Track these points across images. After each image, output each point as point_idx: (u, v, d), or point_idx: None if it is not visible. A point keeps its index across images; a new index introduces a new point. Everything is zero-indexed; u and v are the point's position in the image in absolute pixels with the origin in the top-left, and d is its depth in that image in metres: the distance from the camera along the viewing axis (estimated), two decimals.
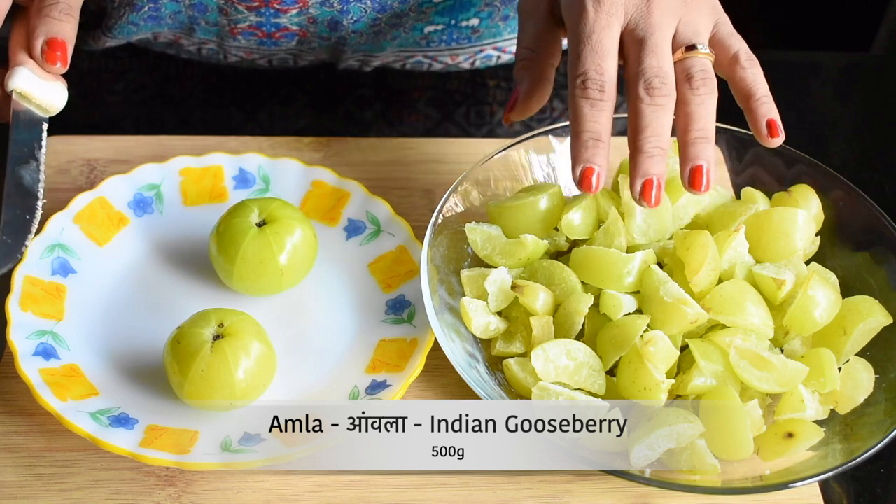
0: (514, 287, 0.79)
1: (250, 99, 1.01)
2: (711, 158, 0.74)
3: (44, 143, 0.76)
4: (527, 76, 0.82)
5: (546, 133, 0.87)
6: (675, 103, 0.74)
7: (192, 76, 1.02)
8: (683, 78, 0.75)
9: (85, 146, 0.92)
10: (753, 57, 0.78)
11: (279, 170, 0.88)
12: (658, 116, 0.74)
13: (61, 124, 0.93)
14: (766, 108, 0.77)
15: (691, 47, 0.76)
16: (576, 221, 0.81)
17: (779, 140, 0.77)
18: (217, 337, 0.73)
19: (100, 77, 1.01)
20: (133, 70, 1.02)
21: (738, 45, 0.78)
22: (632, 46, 0.76)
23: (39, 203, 0.75)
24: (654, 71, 0.74)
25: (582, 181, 0.74)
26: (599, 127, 0.74)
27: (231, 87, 1.02)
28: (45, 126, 0.76)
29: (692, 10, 0.77)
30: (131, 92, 1.02)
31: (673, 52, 0.76)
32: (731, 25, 0.79)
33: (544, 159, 0.87)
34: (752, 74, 0.77)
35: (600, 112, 0.74)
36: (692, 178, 0.74)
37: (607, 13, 0.75)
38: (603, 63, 0.75)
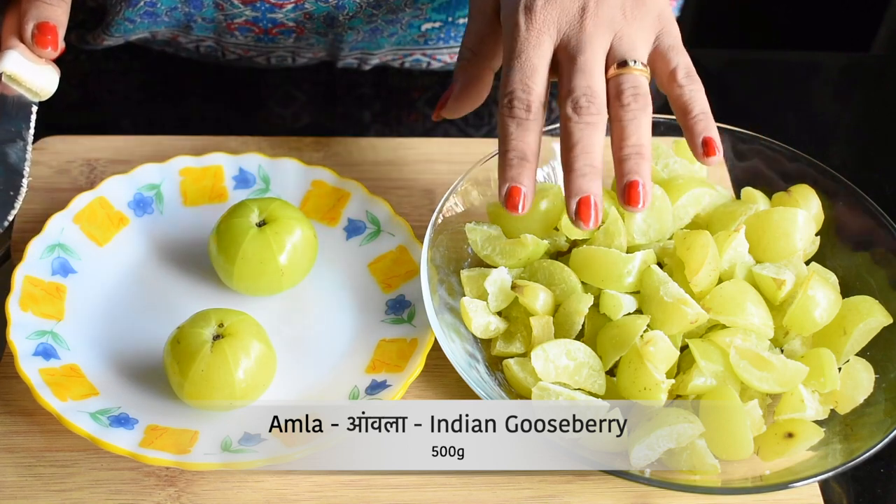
0: (514, 287, 0.79)
1: (250, 99, 1.01)
2: (646, 173, 0.73)
3: (32, 125, 0.76)
4: (462, 76, 0.81)
5: (545, 133, 0.87)
6: (605, 122, 0.73)
7: (191, 76, 1.02)
8: (614, 95, 0.74)
9: (85, 146, 0.92)
10: (693, 73, 0.76)
11: (279, 170, 0.88)
12: (587, 134, 0.72)
13: (61, 124, 0.93)
14: (703, 125, 0.75)
15: (623, 63, 0.74)
16: None
17: (715, 158, 0.75)
18: (217, 337, 0.73)
19: (100, 77, 1.01)
20: (133, 70, 1.02)
21: (678, 59, 0.76)
22: (564, 64, 0.75)
23: (24, 181, 0.75)
24: (581, 90, 0.73)
25: (507, 201, 0.73)
26: (525, 146, 0.73)
27: (231, 87, 1.02)
28: (34, 109, 0.76)
29: (631, 23, 0.75)
30: (131, 92, 1.02)
31: (607, 69, 0.75)
32: (675, 36, 0.77)
33: (544, 159, 0.87)
34: (689, 91, 0.75)
35: (526, 131, 0.73)
36: (626, 194, 0.72)
37: (538, 31, 0.74)
38: (530, 81, 0.74)
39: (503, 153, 0.74)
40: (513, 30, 0.75)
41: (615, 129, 0.74)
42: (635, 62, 0.74)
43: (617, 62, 0.74)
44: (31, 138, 0.76)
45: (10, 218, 0.75)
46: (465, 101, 0.82)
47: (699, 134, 0.75)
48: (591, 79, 0.73)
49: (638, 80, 0.74)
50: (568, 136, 0.73)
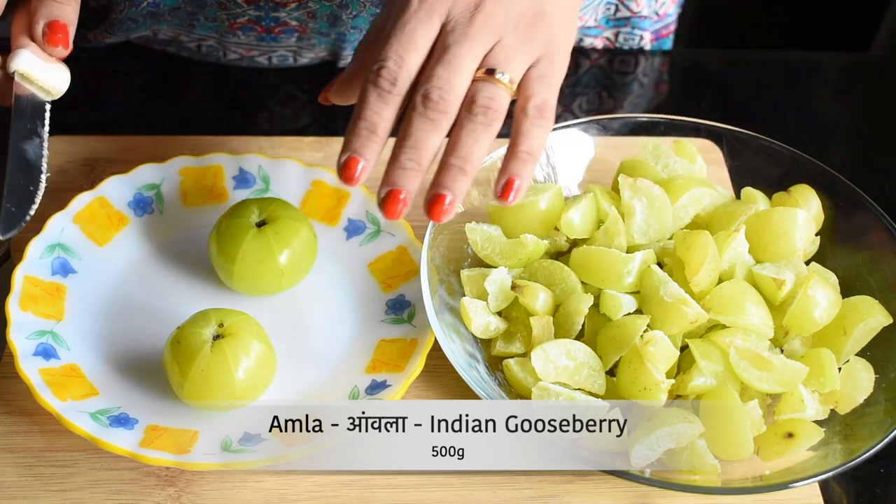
0: (514, 287, 0.79)
1: (250, 99, 1.01)
2: (458, 191, 0.68)
3: (47, 122, 0.76)
4: (356, 60, 0.78)
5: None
6: (450, 123, 0.69)
7: (191, 76, 1.02)
8: (468, 100, 0.69)
9: (85, 146, 0.92)
10: (547, 110, 0.71)
11: (279, 170, 0.88)
12: (424, 130, 0.68)
13: (61, 124, 0.93)
14: (516, 166, 0.69)
15: (491, 71, 0.70)
16: (576, 221, 0.81)
17: (508, 202, 0.69)
18: (217, 337, 0.73)
19: (100, 77, 1.01)
20: (133, 70, 1.02)
21: (540, 91, 0.71)
22: (437, 48, 0.71)
23: (43, 176, 0.75)
24: (437, 82, 0.69)
25: (343, 170, 0.69)
26: (378, 119, 0.69)
27: (231, 87, 1.02)
28: (47, 107, 0.76)
29: (517, 37, 0.71)
30: (131, 92, 1.02)
31: (477, 70, 0.70)
32: (554, 69, 0.72)
33: (544, 159, 0.87)
34: (530, 125, 0.70)
35: (385, 104, 0.69)
36: (430, 205, 0.68)
37: (430, 7, 0.70)
38: (406, 55, 0.70)
39: (354, 120, 0.69)
40: (405, 1, 0.71)
41: (453, 133, 0.70)
42: (503, 74, 0.70)
43: (486, 68, 0.70)
44: (46, 135, 0.76)
45: (32, 212, 0.75)
46: (354, 85, 0.76)
47: (508, 172, 0.69)
48: (454, 74, 0.69)
49: (497, 93, 0.70)
50: (406, 125, 0.69)
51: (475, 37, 0.70)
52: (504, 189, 0.69)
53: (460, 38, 0.70)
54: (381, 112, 0.69)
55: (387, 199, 0.69)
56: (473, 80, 0.70)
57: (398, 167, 0.69)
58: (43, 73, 0.75)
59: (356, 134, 0.69)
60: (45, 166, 0.75)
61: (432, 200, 0.69)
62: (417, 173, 0.69)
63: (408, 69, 0.70)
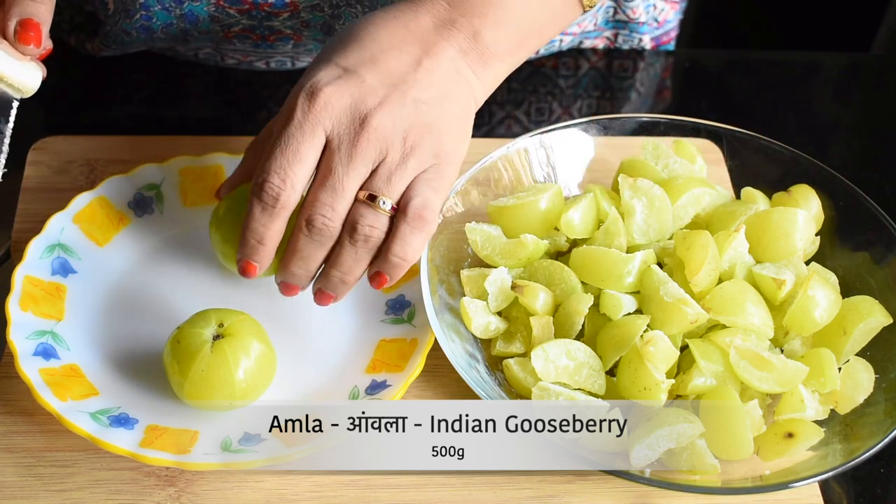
0: (514, 287, 0.79)
1: (250, 99, 1.01)
2: (340, 293, 0.75)
3: (12, 120, 0.76)
4: (245, 160, 0.81)
5: (545, 133, 0.87)
6: (333, 240, 0.73)
7: (191, 76, 1.02)
8: (350, 222, 0.72)
9: (85, 146, 0.92)
10: (426, 213, 0.73)
11: None
12: (311, 248, 0.73)
13: (61, 124, 0.93)
14: (386, 266, 0.73)
15: (373, 197, 0.72)
16: (576, 221, 0.81)
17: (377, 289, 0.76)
18: (217, 337, 0.73)
19: (99, 77, 1.01)
20: (133, 70, 1.02)
21: (423, 192, 0.73)
22: (322, 167, 0.72)
23: (0, 172, 0.75)
24: (321, 209, 0.72)
25: (241, 271, 0.75)
26: (265, 231, 0.73)
27: (230, 88, 1.02)
28: (15, 105, 0.76)
29: (405, 150, 0.72)
30: (131, 92, 1.02)
31: (361, 187, 0.72)
32: (441, 176, 0.74)
33: (544, 159, 0.87)
34: (407, 229, 0.72)
35: (270, 219, 0.72)
36: (315, 297, 0.76)
37: (314, 120, 0.71)
38: (290, 170, 0.71)
39: (244, 229, 0.73)
40: (290, 110, 0.72)
41: (337, 249, 0.74)
42: (384, 201, 0.72)
43: (369, 192, 0.72)
44: (9, 132, 0.76)
45: None
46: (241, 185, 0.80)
47: (377, 267, 0.74)
48: (338, 200, 0.72)
49: (378, 220, 0.72)
50: (294, 241, 0.73)
51: (358, 158, 0.72)
52: (373, 280, 0.75)
53: (344, 160, 0.72)
54: (268, 226, 0.73)
55: (283, 288, 0.76)
56: (356, 200, 0.73)
57: (290, 273, 0.75)
58: (12, 72, 0.75)
59: (245, 243, 0.74)
60: (2, 162, 0.75)
61: (317, 294, 0.76)
62: (308, 276, 0.75)
63: (292, 184, 0.72)
